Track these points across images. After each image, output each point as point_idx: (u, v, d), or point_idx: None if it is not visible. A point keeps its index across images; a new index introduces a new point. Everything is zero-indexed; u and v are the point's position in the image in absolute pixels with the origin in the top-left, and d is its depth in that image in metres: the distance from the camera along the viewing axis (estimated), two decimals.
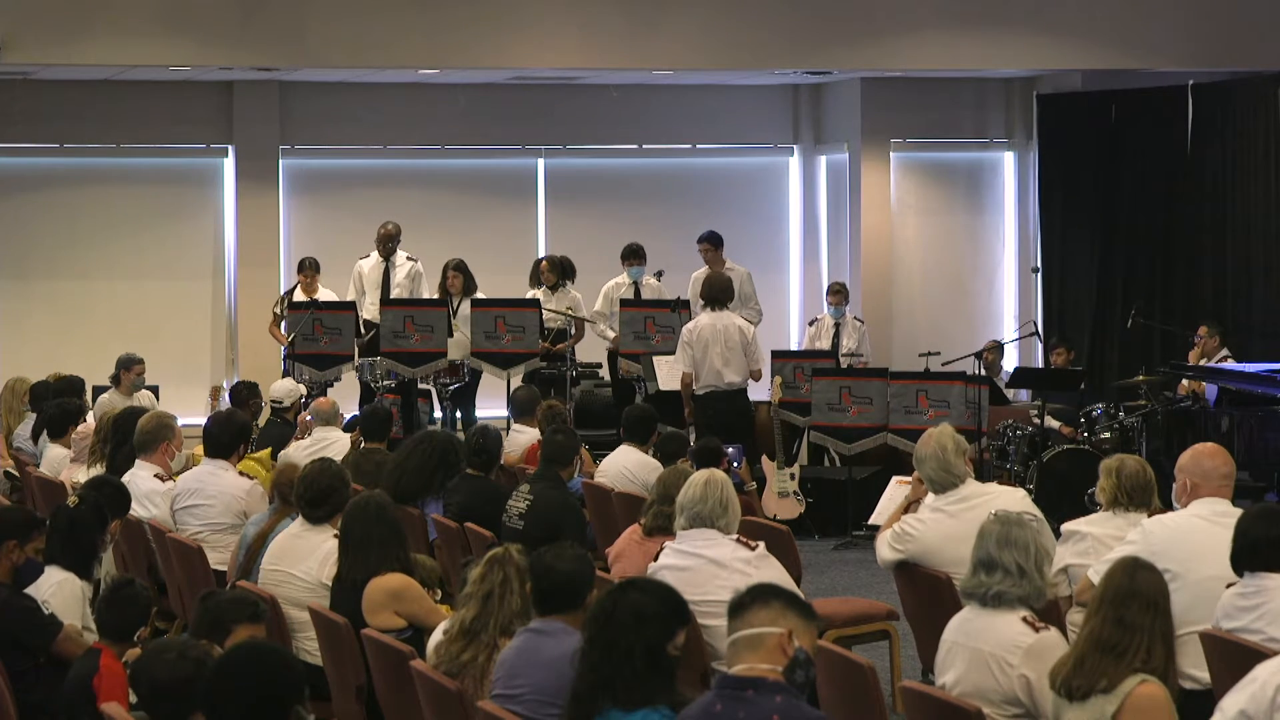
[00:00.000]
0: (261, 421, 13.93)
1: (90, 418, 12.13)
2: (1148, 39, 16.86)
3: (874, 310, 17.93)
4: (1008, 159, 18.89)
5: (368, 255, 16.07)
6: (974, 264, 18.82)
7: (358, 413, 13.27)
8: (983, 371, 14.52)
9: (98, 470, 10.16)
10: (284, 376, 14.71)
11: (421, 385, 15.32)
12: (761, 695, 4.84)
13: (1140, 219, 17.88)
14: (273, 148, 17.53)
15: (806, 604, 5.10)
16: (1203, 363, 15.19)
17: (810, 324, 17.05)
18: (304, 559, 8.01)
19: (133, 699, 6.19)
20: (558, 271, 15.92)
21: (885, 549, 8.24)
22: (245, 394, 13.77)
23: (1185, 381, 15.07)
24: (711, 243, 15.68)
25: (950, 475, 8.08)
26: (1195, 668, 6.78)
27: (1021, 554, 6.15)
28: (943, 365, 14.92)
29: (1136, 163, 17.84)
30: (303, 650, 7.71)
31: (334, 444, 11.78)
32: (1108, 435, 14.19)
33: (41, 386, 13.48)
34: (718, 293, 13.92)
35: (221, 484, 9.67)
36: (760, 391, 14.25)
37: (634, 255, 15.83)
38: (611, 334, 15.58)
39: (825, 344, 16.24)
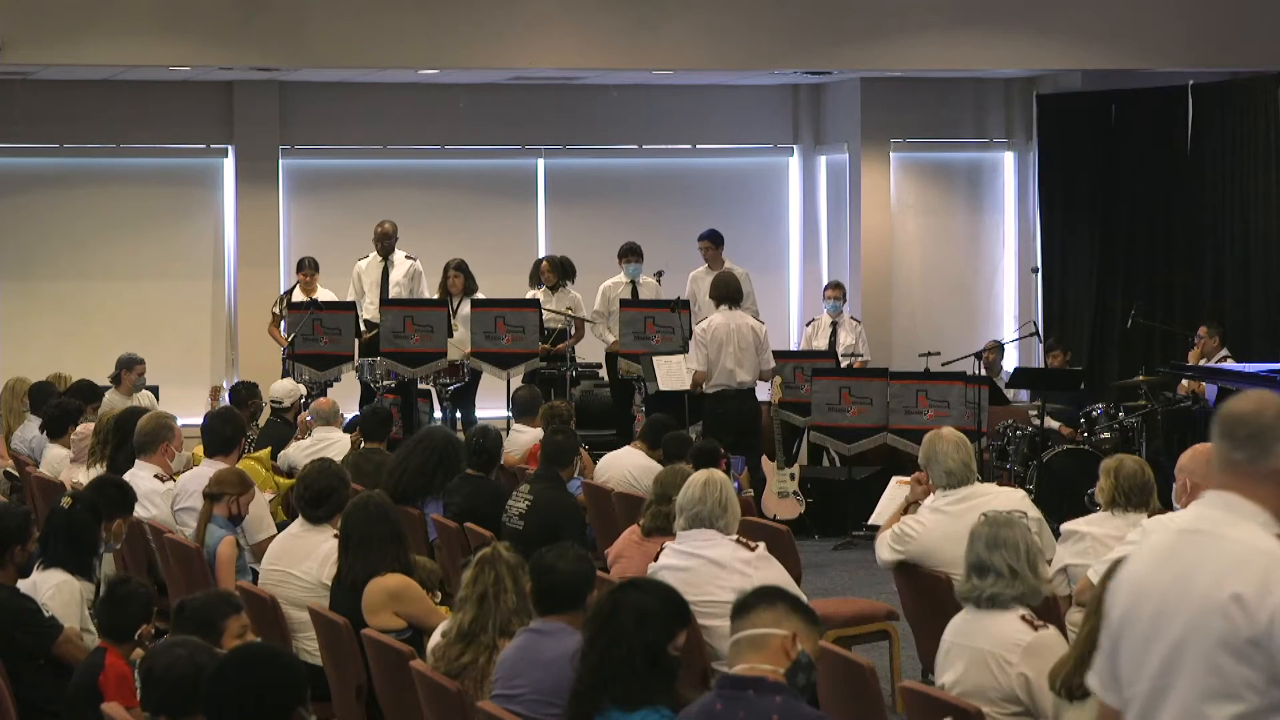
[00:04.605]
0: (261, 421, 13.93)
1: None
2: (1148, 39, 16.86)
3: (873, 310, 17.94)
4: (1007, 159, 18.89)
5: (366, 256, 16.08)
6: (974, 264, 18.83)
7: (358, 413, 13.27)
8: (983, 371, 14.53)
9: (98, 470, 10.15)
10: (284, 376, 14.71)
11: (421, 385, 15.32)
12: (762, 695, 4.84)
13: (1140, 219, 17.88)
14: (273, 148, 17.53)
15: (810, 609, 5.09)
16: (1203, 363, 15.19)
17: (808, 324, 17.05)
18: (304, 559, 8.01)
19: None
20: (558, 272, 15.92)
21: (885, 550, 8.25)
22: (245, 394, 13.76)
23: (1185, 381, 15.07)
24: (713, 241, 15.69)
25: (969, 470, 8.12)
26: None
27: (1012, 554, 6.15)
28: (943, 365, 14.93)
29: (1136, 162, 17.85)
30: (303, 650, 7.71)
31: (334, 444, 11.79)
32: (1108, 435, 14.19)
33: (40, 387, 13.44)
34: (730, 291, 13.87)
35: None
36: (760, 391, 14.25)
37: (631, 253, 15.84)
38: (611, 337, 15.58)
39: (822, 343, 16.24)
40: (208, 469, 9.78)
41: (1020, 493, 8.42)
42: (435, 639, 6.61)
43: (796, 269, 18.98)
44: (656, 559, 7.70)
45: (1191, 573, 3.89)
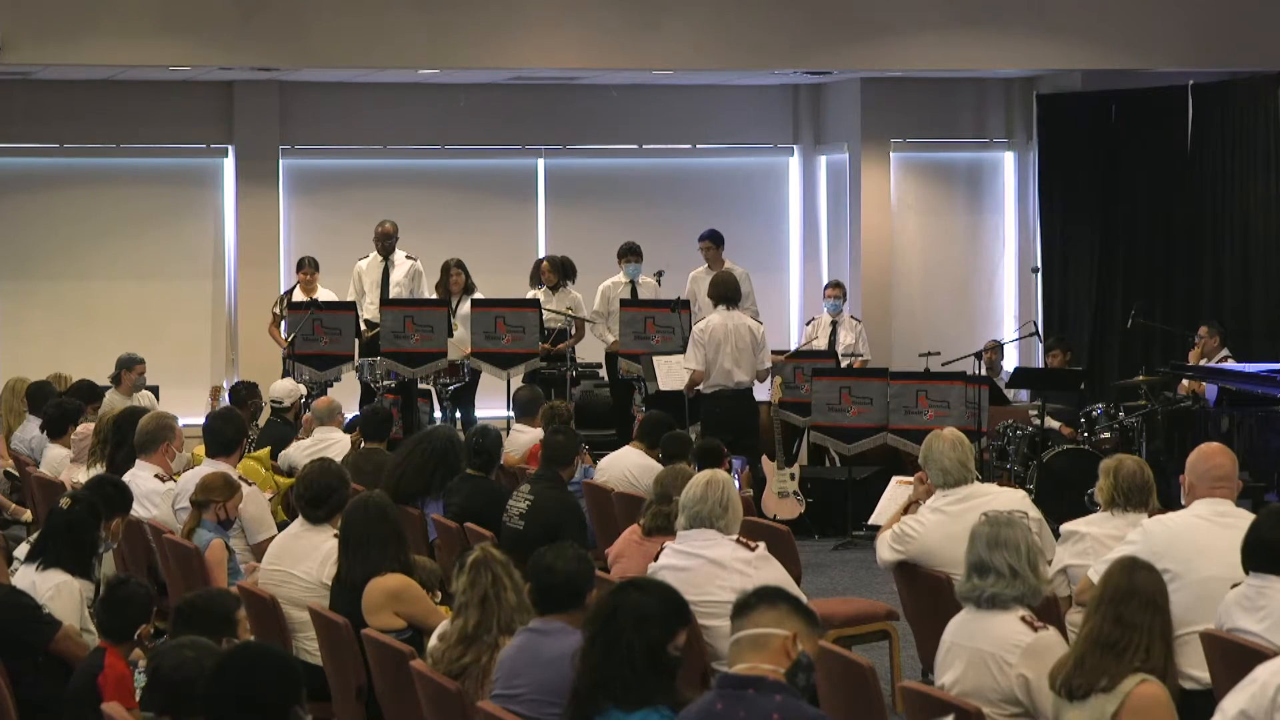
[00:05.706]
0: (261, 421, 13.92)
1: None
2: (1148, 39, 16.86)
3: (874, 310, 17.93)
4: (1008, 159, 18.89)
5: (366, 256, 16.08)
6: (974, 264, 18.82)
7: (358, 413, 13.27)
8: (983, 371, 14.52)
9: (98, 470, 10.15)
10: (284, 376, 14.71)
11: (421, 385, 15.32)
12: (762, 694, 4.84)
13: (1140, 219, 17.87)
14: (273, 148, 17.53)
15: (811, 610, 5.10)
16: (1203, 363, 15.18)
17: (808, 323, 17.05)
18: (304, 559, 8.01)
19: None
20: (559, 272, 15.92)
21: (885, 549, 8.25)
22: (245, 394, 13.77)
23: (1185, 381, 15.06)
24: (713, 241, 15.69)
25: (966, 470, 8.13)
26: (1195, 668, 6.77)
27: (1013, 554, 6.14)
28: (943, 365, 14.92)
29: (1136, 163, 17.84)
30: (303, 650, 7.71)
31: (334, 444, 11.79)
32: (1108, 435, 14.19)
33: (39, 387, 13.44)
34: (729, 291, 13.87)
35: None
36: (760, 391, 14.26)
37: (630, 253, 15.84)
38: (611, 337, 15.58)
39: (822, 342, 16.24)
40: (209, 469, 9.79)
41: (1020, 493, 8.42)
42: (433, 642, 6.60)
43: (796, 269, 18.98)
44: (656, 559, 7.70)
45: None
